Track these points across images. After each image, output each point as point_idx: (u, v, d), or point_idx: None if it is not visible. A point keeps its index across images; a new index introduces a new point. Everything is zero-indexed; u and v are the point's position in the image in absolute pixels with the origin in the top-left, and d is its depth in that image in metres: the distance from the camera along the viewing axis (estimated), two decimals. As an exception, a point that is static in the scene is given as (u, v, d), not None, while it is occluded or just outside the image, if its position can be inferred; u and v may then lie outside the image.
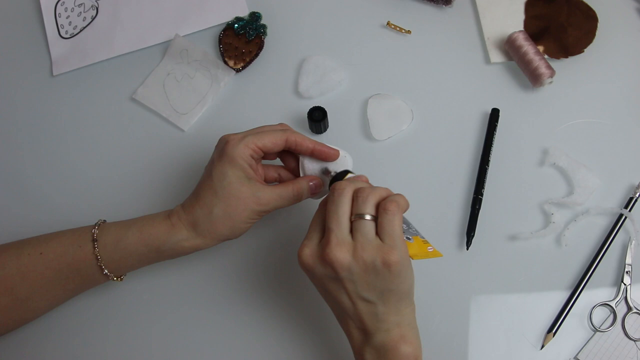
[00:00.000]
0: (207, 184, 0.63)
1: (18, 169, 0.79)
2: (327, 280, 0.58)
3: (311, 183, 0.65)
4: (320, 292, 0.61)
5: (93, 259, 0.63)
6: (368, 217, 0.57)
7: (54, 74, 0.82)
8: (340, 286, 0.57)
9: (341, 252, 0.56)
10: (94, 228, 0.65)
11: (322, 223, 0.59)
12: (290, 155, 0.68)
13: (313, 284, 0.61)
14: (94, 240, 0.63)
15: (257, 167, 0.65)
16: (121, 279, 0.67)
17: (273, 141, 0.63)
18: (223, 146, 0.63)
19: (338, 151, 0.65)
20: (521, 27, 0.82)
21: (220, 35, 0.83)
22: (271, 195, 0.63)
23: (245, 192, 0.62)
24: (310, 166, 0.66)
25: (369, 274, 0.56)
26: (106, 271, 0.64)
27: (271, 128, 0.66)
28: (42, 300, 0.65)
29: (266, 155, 0.65)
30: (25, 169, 0.79)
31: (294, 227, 0.74)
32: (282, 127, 0.66)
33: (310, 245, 0.58)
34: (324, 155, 0.65)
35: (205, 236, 0.63)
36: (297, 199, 0.65)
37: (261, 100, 0.80)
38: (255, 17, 0.83)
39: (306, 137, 0.65)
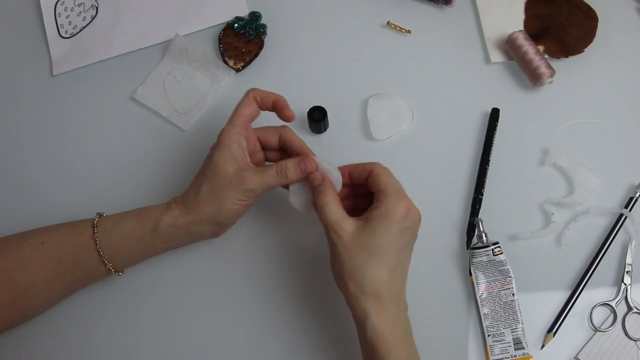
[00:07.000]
0: (200, 170, 0.66)
1: (18, 169, 0.79)
2: (412, 239, 0.63)
3: (301, 163, 0.65)
4: (397, 257, 0.61)
5: (92, 244, 0.64)
6: None
7: (54, 73, 0.82)
8: (411, 245, 0.63)
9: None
10: (96, 217, 0.67)
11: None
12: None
13: (396, 246, 0.61)
14: (94, 226, 0.65)
15: (246, 150, 0.65)
16: (119, 274, 0.67)
17: (267, 130, 0.67)
18: (218, 134, 0.65)
19: (316, 164, 0.64)
20: (521, 27, 0.82)
21: (220, 35, 0.83)
22: (255, 173, 0.64)
23: (229, 171, 0.63)
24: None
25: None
26: (104, 258, 0.64)
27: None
28: (40, 295, 0.65)
29: (264, 147, 0.68)
30: (25, 168, 0.79)
31: (296, 225, 0.74)
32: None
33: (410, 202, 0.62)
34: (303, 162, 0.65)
35: (194, 213, 0.64)
36: (282, 177, 0.64)
37: (261, 100, 0.80)
38: (255, 16, 0.83)
39: (299, 138, 0.67)
